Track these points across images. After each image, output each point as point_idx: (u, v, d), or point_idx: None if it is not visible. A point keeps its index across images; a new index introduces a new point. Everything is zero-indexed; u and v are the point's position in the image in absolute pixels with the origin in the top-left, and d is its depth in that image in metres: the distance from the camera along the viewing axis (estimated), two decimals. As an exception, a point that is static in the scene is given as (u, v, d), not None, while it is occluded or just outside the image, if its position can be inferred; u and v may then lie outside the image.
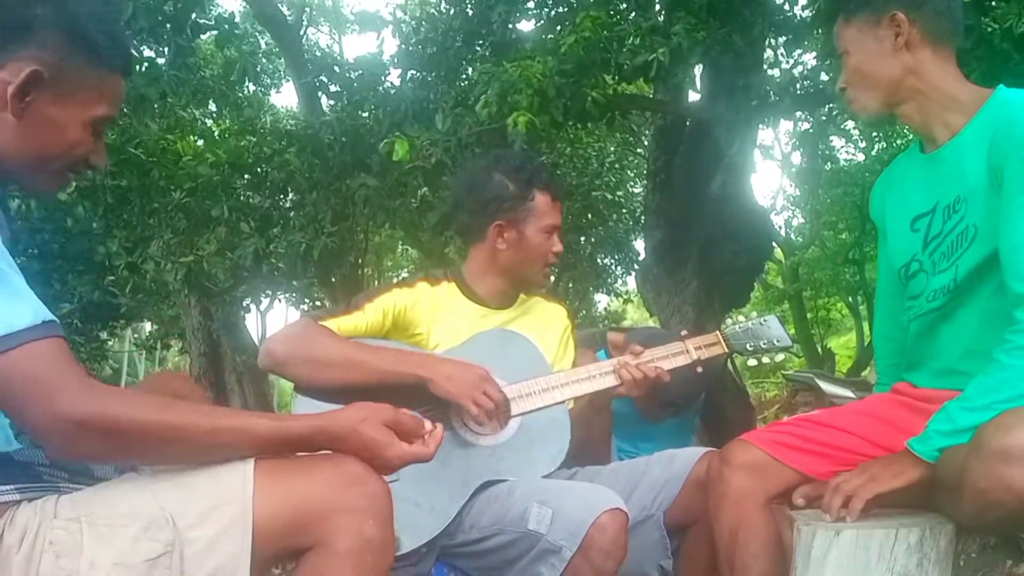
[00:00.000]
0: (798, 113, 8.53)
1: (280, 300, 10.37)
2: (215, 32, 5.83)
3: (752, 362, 2.01)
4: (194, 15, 5.24)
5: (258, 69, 8.06)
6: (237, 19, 6.62)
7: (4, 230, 1.08)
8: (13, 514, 1.04)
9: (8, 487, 1.07)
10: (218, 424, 1.09)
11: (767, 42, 4.59)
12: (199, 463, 1.11)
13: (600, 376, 1.86)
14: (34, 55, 1.08)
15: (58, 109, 1.11)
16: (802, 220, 14.83)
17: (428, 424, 1.27)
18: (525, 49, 4.71)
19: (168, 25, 5.11)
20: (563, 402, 1.83)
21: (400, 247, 12.39)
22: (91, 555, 1.01)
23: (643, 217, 8.05)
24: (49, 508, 1.06)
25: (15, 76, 1.07)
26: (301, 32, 8.10)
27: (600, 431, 2.05)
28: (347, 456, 1.16)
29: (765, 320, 2.00)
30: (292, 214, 5.75)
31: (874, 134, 10.81)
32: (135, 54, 5.33)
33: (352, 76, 6.08)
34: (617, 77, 4.31)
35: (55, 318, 1.02)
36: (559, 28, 4.22)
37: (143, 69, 5.00)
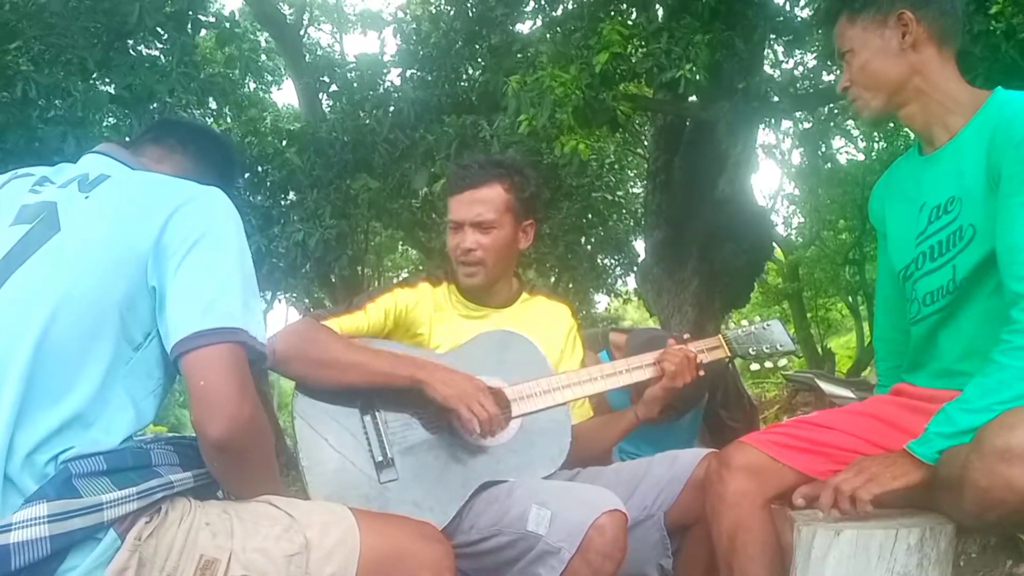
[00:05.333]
0: (798, 113, 8.54)
1: (280, 300, 10.37)
2: (215, 30, 5.84)
3: (755, 365, 2.00)
4: (192, 13, 5.26)
5: (259, 66, 8.07)
6: (237, 17, 6.63)
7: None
8: (171, 499, 1.21)
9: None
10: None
11: (768, 43, 4.62)
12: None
13: (603, 378, 1.86)
14: None
15: None
16: (802, 220, 14.84)
17: None
18: (529, 53, 4.75)
19: (170, 22, 5.14)
20: (564, 404, 1.83)
21: (400, 247, 12.39)
22: (242, 540, 1.20)
23: (643, 217, 8.05)
24: (197, 500, 1.25)
25: None
26: (301, 32, 8.09)
27: (611, 439, 2.06)
28: (426, 521, 1.50)
29: (768, 324, 1.98)
30: (292, 212, 5.76)
31: (874, 134, 10.81)
32: (134, 54, 5.37)
33: (352, 76, 6.08)
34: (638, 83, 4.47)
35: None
36: (576, 35, 4.28)
37: (150, 67, 5.03)
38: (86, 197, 1.25)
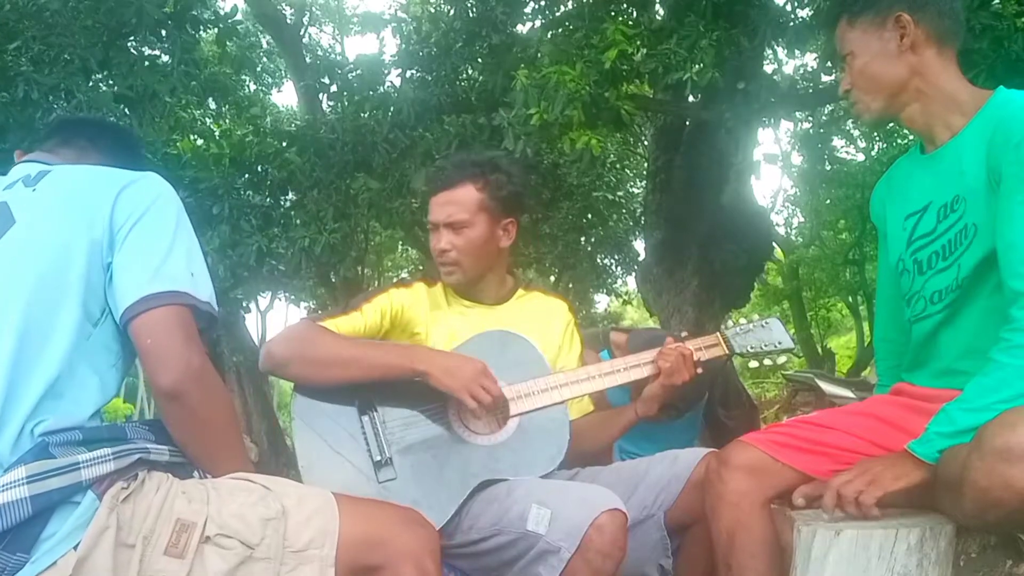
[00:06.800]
0: (798, 113, 8.54)
1: (280, 299, 10.39)
2: (216, 29, 5.84)
3: (753, 363, 2.00)
4: (195, 11, 5.25)
5: (259, 69, 8.07)
6: (238, 15, 6.62)
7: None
8: (148, 469, 1.25)
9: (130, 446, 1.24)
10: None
11: (768, 43, 4.63)
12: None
13: (601, 377, 1.86)
14: None
15: None
16: (802, 220, 14.84)
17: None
18: (529, 53, 4.75)
19: (170, 21, 5.14)
20: (562, 402, 1.83)
21: (400, 247, 12.39)
22: (217, 506, 1.23)
23: (643, 217, 8.04)
24: (175, 477, 1.28)
25: None
26: (301, 33, 8.09)
27: (611, 435, 2.06)
28: (410, 507, 1.48)
29: (767, 322, 1.98)
30: (293, 213, 5.75)
31: (875, 134, 10.81)
32: (135, 53, 5.37)
33: (352, 76, 6.07)
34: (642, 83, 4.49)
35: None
36: (577, 34, 4.28)
37: (149, 65, 5.03)
38: (33, 191, 1.34)
